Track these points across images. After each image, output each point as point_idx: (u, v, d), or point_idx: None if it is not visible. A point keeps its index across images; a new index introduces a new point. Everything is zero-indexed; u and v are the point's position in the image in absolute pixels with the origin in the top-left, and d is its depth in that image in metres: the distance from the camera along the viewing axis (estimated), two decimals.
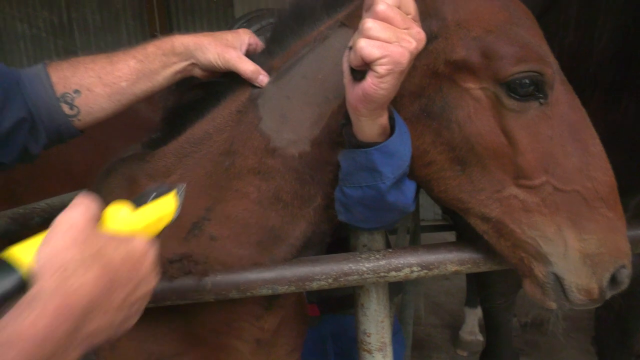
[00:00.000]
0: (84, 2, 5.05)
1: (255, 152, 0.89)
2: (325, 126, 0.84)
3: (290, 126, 0.87)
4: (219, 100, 0.98)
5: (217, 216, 0.92)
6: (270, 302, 0.98)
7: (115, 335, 0.54)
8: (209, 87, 1.00)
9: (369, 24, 0.64)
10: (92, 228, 0.52)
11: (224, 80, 0.97)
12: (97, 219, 0.54)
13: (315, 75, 0.84)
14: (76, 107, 0.88)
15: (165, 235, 0.66)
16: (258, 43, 0.96)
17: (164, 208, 0.64)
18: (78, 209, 0.52)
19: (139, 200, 0.62)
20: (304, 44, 0.87)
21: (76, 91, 0.87)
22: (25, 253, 0.50)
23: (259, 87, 0.90)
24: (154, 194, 0.64)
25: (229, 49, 0.90)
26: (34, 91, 0.85)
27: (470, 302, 3.09)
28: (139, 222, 0.60)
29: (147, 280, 0.56)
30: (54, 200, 1.49)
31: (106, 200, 1.13)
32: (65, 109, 0.87)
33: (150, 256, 0.57)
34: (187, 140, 1.01)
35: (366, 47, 0.64)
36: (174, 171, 1.01)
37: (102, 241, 0.52)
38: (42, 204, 1.44)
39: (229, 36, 0.93)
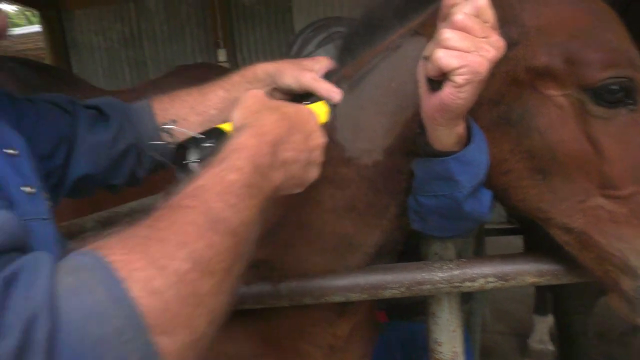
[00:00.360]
0: (153, 14, 5.31)
1: (330, 162, 0.90)
2: (399, 135, 0.84)
3: (364, 135, 0.88)
4: None
5: (292, 223, 0.94)
6: (343, 308, 1.00)
7: (305, 177, 0.73)
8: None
9: (447, 34, 0.64)
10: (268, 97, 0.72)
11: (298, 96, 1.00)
12: None
13: (389, 84, 0.84)
14: (173, 135, 0.97)
15: None
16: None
17: (319, 109, 0.84)
18: (254, 89, 0.74)
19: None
20: (375, 53, 0.88)
21: (173, 121, 0.97)
22: (227, 125, 0.72)
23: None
24: (309, 101, 0.84)
25: (305, 72, 0.94)
26: (140, 121, 0.96)
27: (539, 310, 2.96)
28: None
29: (316, 134, 0.73)
30: (135, 204, 1.59)
31: None
32: (165, 137, 0.97)
33: (315, 118, 0.76)
34: None
35: (444, 57, 0.64)
36: None
37: (278, 102, 0.73)
38: (125, 208, 1.54)
39: (306, 61, 0.97)
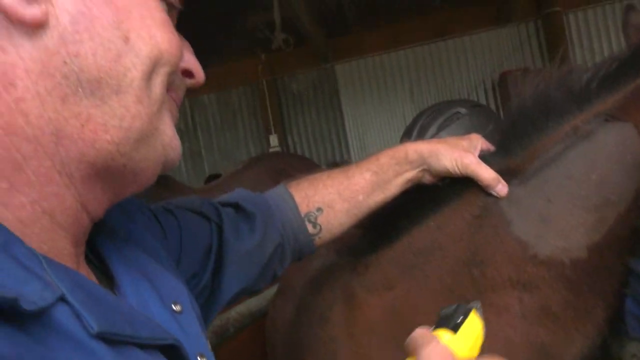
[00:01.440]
0: (207, 106, 5.55)
1: (510, 260, 0.81)
2: (608, 231, 0.74)
3: (556, 231, 0.78)
4: (438, 205, 0.94)
5: None
6: None
7: None
8: (420, 192, 0.96)
9: None
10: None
11: (443, 185, 0.93)
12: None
13: (587, 175, 0.76)
14: (319, 225, 0.88)
15: None
16: (490, 148, 0.92)
17: (475, 328, 0.63)
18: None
19: (446, 322, 0.62)
20: (554, 141, 0.81)
21: (319, 209, 0.88)
22: None
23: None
24: (462, 316, 0.63)
25: (467, 154, 0.87)
26: (282, 214, 0.86)
27: None
28: (464, 346, 0.61)
29: None
30: (241, 308, 1.51)
31: (325, 315, 1.08)
32: (310, 228, 0.88)
33: None
34: (408, 250, 0.96)
35: None
36: (397, 284, 0.96)
37: None
38: (233, 313, 1.47)
39: (463, 142, 0.90)
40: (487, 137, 0.93)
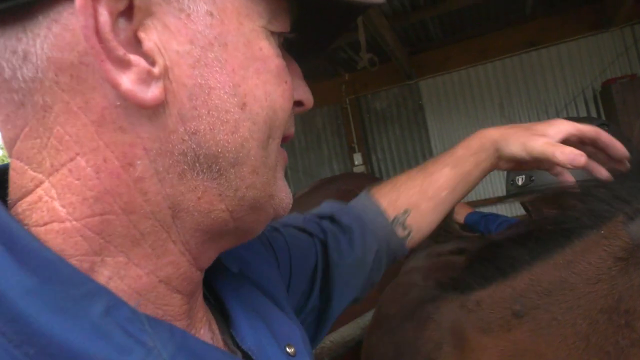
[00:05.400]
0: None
1: None
2: None
3: None
4: (569, 238, 0.84)
5: None
6: None
7: None
8: (545, 221, 0.86)
9: None
10: None
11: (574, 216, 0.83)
12: None
13: None
14: (408, 226, 0.86)
15: None
16: (583, 132, 0.79)
17: None
18: None
19: None
20: None
21: (405, 211, 0.86)
22: None
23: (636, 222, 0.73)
24: None
25: (535, 136, 0.77)
26: (373, 222, 0.85)
27: None
28: None
29: None
30: (335, 336, 1.48)
31: (432, 357, 1.00)
32: (399, 231, 0.85)
33: None
34: (529, 288, 0.86)
35: None
36: (517, 326, 0.86)
37: None
38: (328, 342, 1.43)
39: (538, 126, 0.81)
40: None
